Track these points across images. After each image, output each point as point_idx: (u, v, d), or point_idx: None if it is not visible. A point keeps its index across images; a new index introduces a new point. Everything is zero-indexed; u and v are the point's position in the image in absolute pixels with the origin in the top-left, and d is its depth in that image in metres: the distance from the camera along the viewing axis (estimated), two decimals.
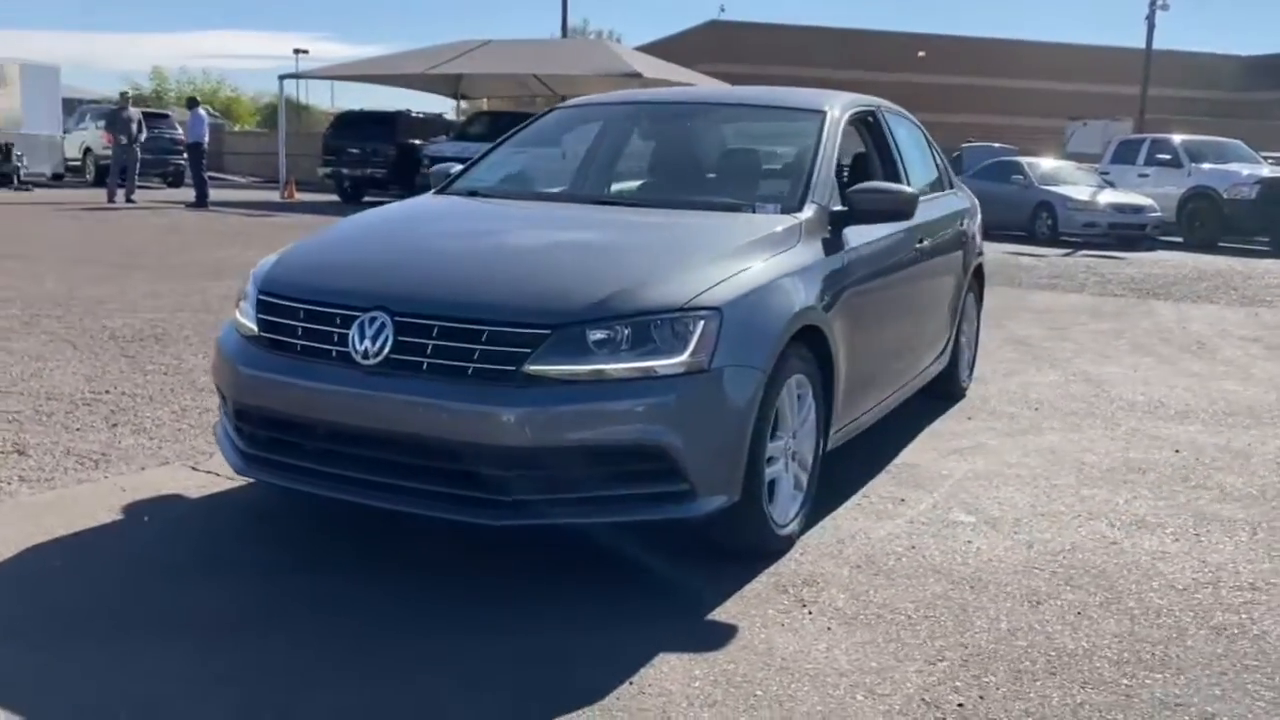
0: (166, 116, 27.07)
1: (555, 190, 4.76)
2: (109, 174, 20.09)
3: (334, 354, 3.28)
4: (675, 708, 2.67)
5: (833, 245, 4.07)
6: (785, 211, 4.03)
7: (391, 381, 3.19)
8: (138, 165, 19.96)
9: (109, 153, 20.43)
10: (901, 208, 4.20)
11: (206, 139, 20.10)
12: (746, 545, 3.56)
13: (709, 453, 3.23)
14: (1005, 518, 4.15)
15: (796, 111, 4.84)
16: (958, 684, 2.84)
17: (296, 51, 56.06)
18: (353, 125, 23.16)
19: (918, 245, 4.91)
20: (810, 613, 3.24)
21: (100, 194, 20.12)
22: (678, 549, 3.61)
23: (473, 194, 4.63)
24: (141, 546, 3.60)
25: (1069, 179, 19.03)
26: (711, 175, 4.74)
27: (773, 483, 3.64)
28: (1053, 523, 4.12)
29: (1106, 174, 19.96)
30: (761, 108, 5.19)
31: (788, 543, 3.71)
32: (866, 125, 5.05)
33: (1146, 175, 19.59)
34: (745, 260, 3.56)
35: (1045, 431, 5.49)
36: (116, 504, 3.93)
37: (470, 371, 3.14)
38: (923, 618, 3.23)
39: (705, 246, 3.65)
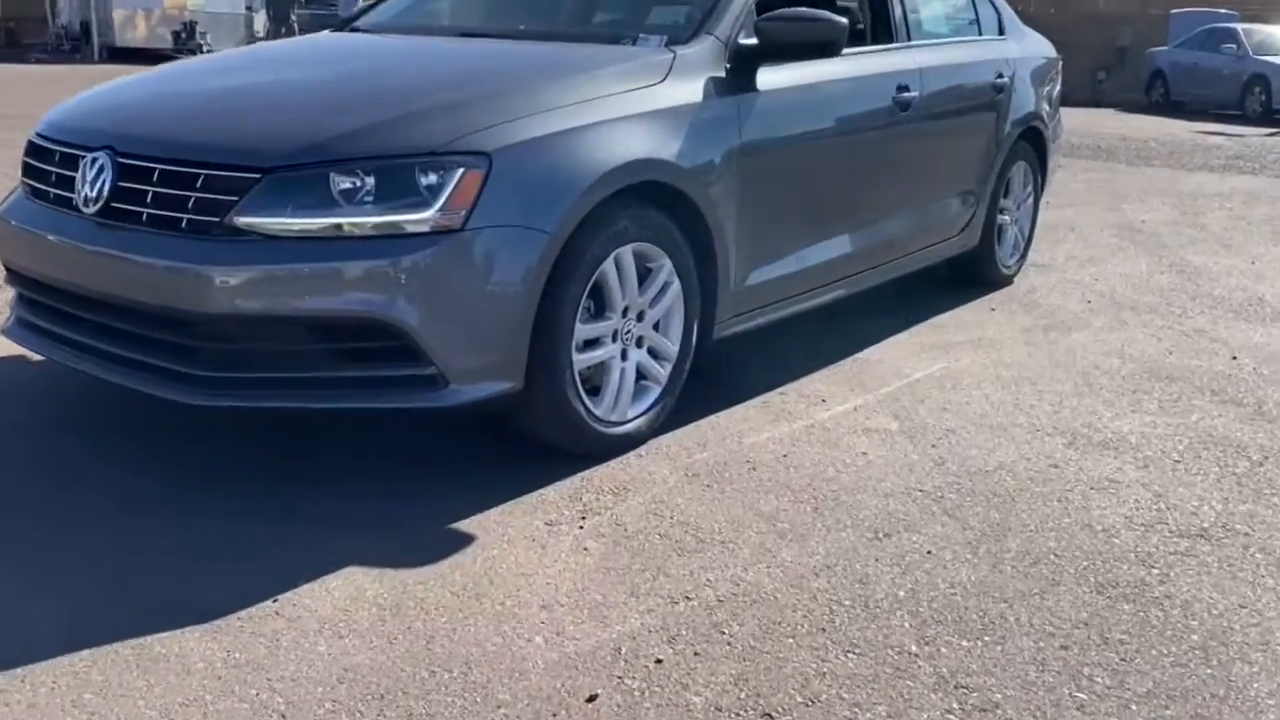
0: None
1: (445, 24, 4.14)
2: None
3: (66, 201, 2.88)
4: (293, 634, 2.18)
5: (732, 86, 3.33)
6: (672, 44, 3.31)
7: (112, 235, 2.76)
8: None
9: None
10: (824, 39, 3.39)
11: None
12: (559, 440, 2.99)
13: (462, 332, 2.66)
14: (935, 428, 3.40)
15: None
16: (681, 632, 2.23)
17: None
18: None
19: (899, 96, 4.05)
20: (581, 528, 2.66)
21: None
22: (497, 442, 3.09)
23: (355, 29, 4.09)
24: None
25: None
26: (609, 4, 4.01)
27: (597, 372, 3.04)
28: (995, 437, 3.34)
29: None
30: None
31: (626, 442, 3.11)
32: None
33: None
34: (561, 97, 2.91)
35: (1079, 329, 4.57)
36: None
37: (184, 224, 2.67)
38: (716, 543, 2.60)
39: (514, 82, 3.00)
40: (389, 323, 2.58)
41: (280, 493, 2.78)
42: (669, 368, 3.23)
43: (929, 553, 2.60)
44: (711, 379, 3.64)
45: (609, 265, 2.94)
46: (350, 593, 2.34)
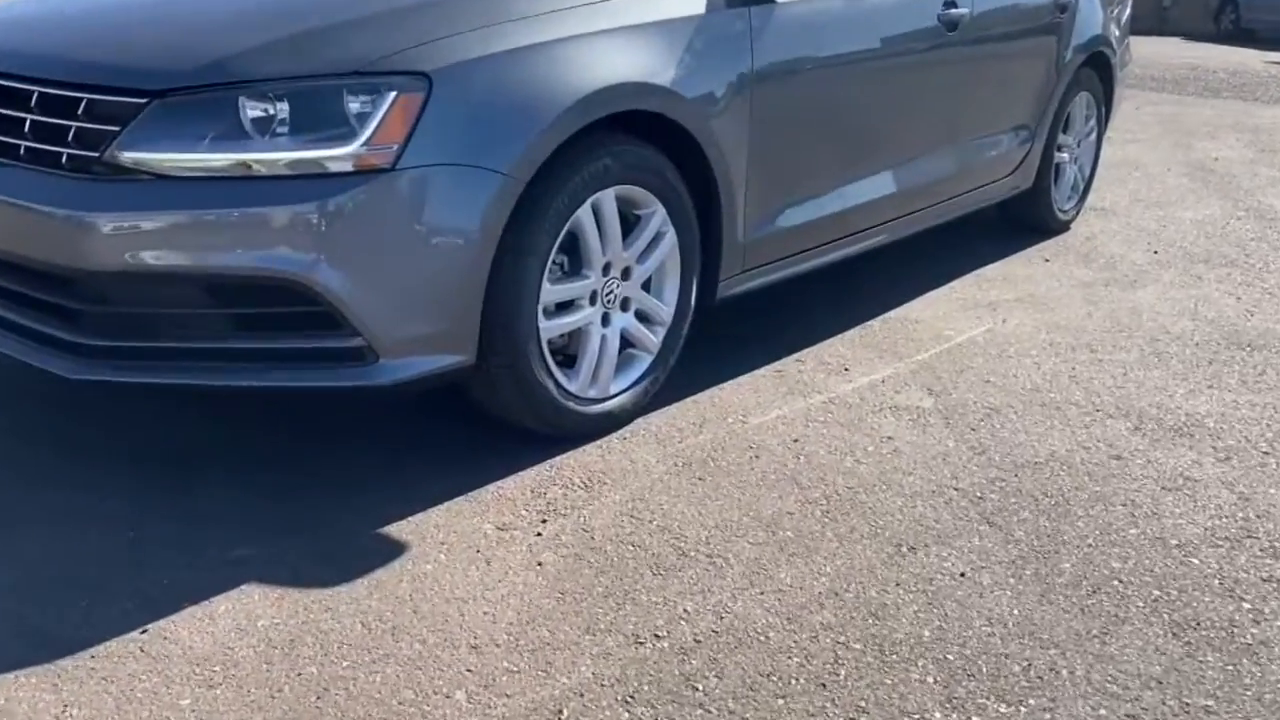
0: None
1: None
2: None
3: None
4: (152, 681, 1.74)
5: None
6: None
7: None
8: None
9: None
10: None
11: None
12: (524, 421, 2.52)
13: (395, 295, 2.18)
14: (976, 406, 2.88)
15: None
16: (642, 688, 1.77)
17: None
18: None
19: (945, 14, 3.47)
20: (540, 534, 2.20)
21: None
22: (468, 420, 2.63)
23: None
24: None
25: None
26: None
27: (574, 340, 2.56)
28: (1046, 419, 2.82)
29: None
30: None
31: (607, 422, 2.63)
32: None
33: None
34: (524, 4, 2.38)
35: (1146, 284, 4.01)
36: None
37: (65, 159, 2.20)
38: (701, 558, 2.13)
39: None
40: (302, 283, 2.10)
41: (171, 481, 2.34)
42: (661, 334, 2.74)
43: (962, 575, 2.11)
44: (717, 342, 3.15)
45: (585, 213, 2.44)
46: (238, 621, 1.89)
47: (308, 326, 2.17)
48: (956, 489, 2.45)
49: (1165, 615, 2.01)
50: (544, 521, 2.25)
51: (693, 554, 2.15)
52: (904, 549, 2.20)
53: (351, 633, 1.87)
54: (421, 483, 2.37)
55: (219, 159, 2.12)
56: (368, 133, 2.11)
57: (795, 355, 3.18)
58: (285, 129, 2.13)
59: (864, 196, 3.31)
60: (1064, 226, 4.69)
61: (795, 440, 2.65)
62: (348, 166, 2.11)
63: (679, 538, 2.21)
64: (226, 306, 2.17)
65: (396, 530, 2.19)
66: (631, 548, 2.16)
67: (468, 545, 2.15)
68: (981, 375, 3.10)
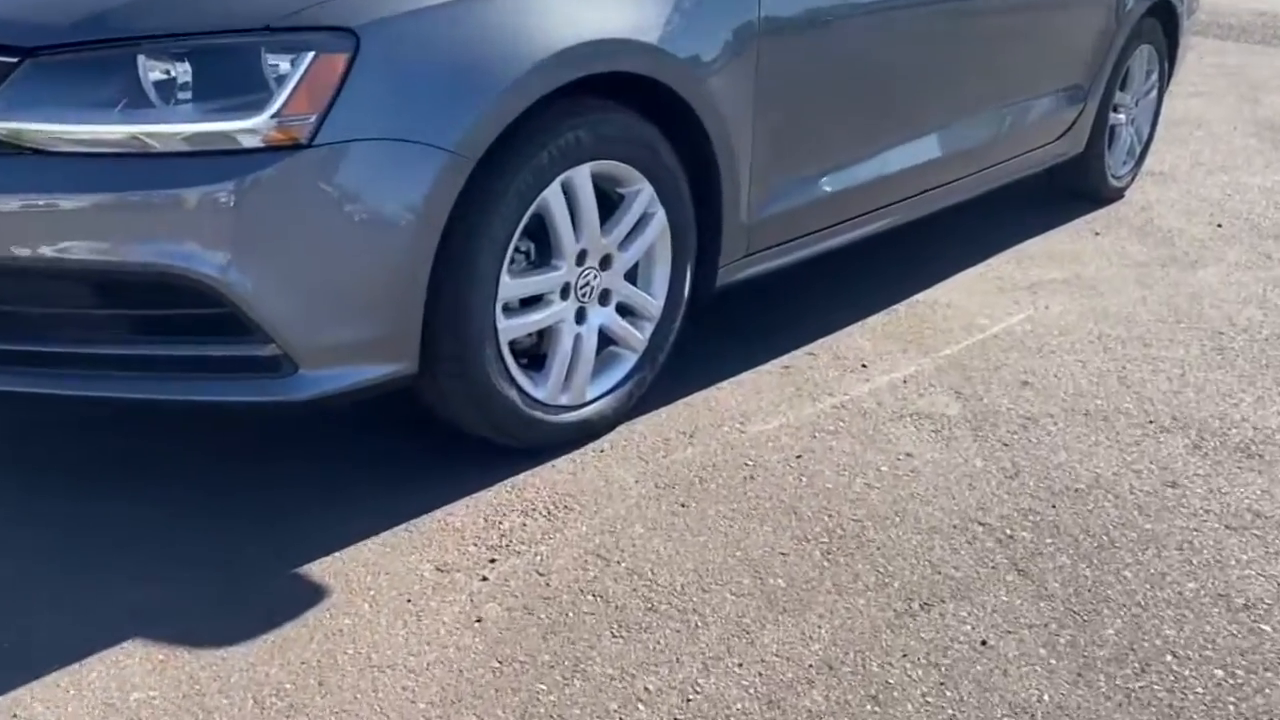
0: None
1: None
2: None
3: None
4: None
5: None
6: None
7: None
8: None
9: None
10: None
11: None
12: (482, 433, 2.19)
13: (316, 294, 1.84)
14: (1010, 414, 2.51)
15: None
16: None
17: None
18: None
19: None
20: (485, 579, 1.87)
21: None
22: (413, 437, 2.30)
23: None
24: None
25: None
26: None
27: (544, 338, 2.22)
28: (1092, 432, 2.45)
29: None
30: None
31: (583, 431, 2.29)
32: None
33: None
34: None
35: (1208, 263, 3.59)
36: None
37: None
38: (673, 615, 1.79)
39: None
40: (201, 281, 1.76)
41: (62, 505, 2.03)
42: (649, 329, 2.39)
43: (984, 644, 1.76)
44: (716, 332, 2.79)
45: (553, 194, 2.08)
46: (108, 694, 1.59)
47: (212, 331, 1.83)
48: (982, 524, 2.09)
49: (1231, 707, 1.65)
50: (492, 561, 1.92)
51: (663, 608, 1.81)
52: (915, 605, 1.85)
53: (240, 712, 1.56)
54: (358, 506, 2.05)
55: (106, 131, 1.78)
56: (279, 102, 1.76)
57: (806, 348, 2.81)
58: (184, 95, 1.79)
59: (890, 167, 2.92)
60: (1117, 195, 4.25)
61: (798, 457, 2.30)
62: (256, 142, 1.76)
63: (650, 585, 1.87)
64: (117, 307, 1.84)
65: (319, 570, 1.87)
66: (591, 598, 1.83)
67: (399, 592, 1.83)
68: (1018, 375, 2.72)
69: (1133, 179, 4.35)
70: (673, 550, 1.97)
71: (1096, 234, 3.86)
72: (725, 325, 2.87)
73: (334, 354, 1.88)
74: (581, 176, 2.12)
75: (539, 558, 1.93)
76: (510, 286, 2.07)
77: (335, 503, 2.06)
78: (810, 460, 2.28)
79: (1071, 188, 4.13)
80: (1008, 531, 2.07)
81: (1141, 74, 4.13)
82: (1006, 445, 2.39)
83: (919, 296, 3.19)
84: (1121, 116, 4.10)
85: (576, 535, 1.99)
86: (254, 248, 1.77)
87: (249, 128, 1.76)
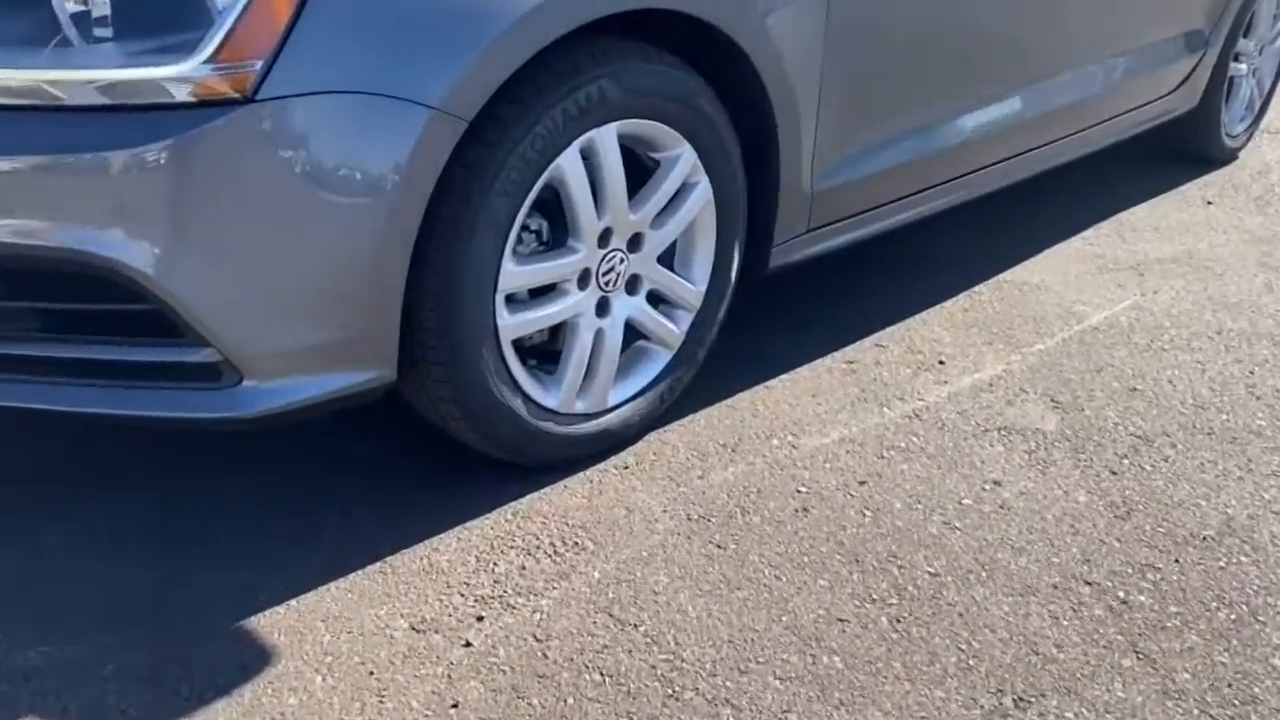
0: None
1: None
2: None
3: None
4: None
5: None
6: None
7: None
8: None
9: None
10: None
11: None
12: (479, 446, 1.82)
13: (266, 288, 1.47)
14: (1118, 431, 2.10)
15: None
16: None
17: None
18: None
19: None
20: (468, 644, 1.51)
21: None
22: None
23: None
24: None
25: None
26: None
27: (556, 335, 1.83)
28: (1218, 457, 2.03)
29: None
30: None
31: (603, 442, 1.92)
32: None
33: None
34: None
35: None
36: None
37: None
38: (692, 711, 1.42)
39: None
40: (114, 269, 1.40)
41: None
42: (686, 321, 1.99)
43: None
44: (769, 319, 2.39)
45: (569, 161, 1.68)
46: None
47: (135, 332, 1.47)
48: (1089, 583, 1.69)
49: None
50: (480, 620, 1.56)
51: (688, 695, 1.44)
52: (1008, 700, 1.46)
53: None
54: (326, 536, 1.70)
55: (5, 78, 1.41)
56: (215, 43, 1.37)
57: (874, 338, 2.40)
58: (106, 33, 1.41)
59: (980, 126, 2.48)
60: (1230, 155, 3.75)
61: (862, 483, 1.90)
62: (186, 94, 1.38)
63: (673, 661, 1.50)
64: (20, 299, 1.48)
65: (269, 625, 1.52)
66: (598, 677, 1.47)
67: (361, 660, 1.47)
68: (1125, 379, 2.30)
69: (1249, 139, 3.83)
70: (704, 611, 1.59)
71: (1209, 203, 3.37)
72: (776, 310, 2.47)
73: (289, 361, 1.51)
74: (606, 139, 1.72)
75: (538, 615, 1.57)
76: (515, 275, 1.68)
77: (300, 532, 1.71)
78: (877, 488, 1.89)
79: (1178, 147, 3.64)
80: (1121, 595, 1.67)
81: (1269, 17, 3.60)
82: (1114, 473, 1.97)
83: (1005, 276, 2.76)
84: (1242, 66, 3.58)
85: (586, 585, 1.63)
86: (184, 228, 1.40)
87: (178, 75, 1.38)
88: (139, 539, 1.68)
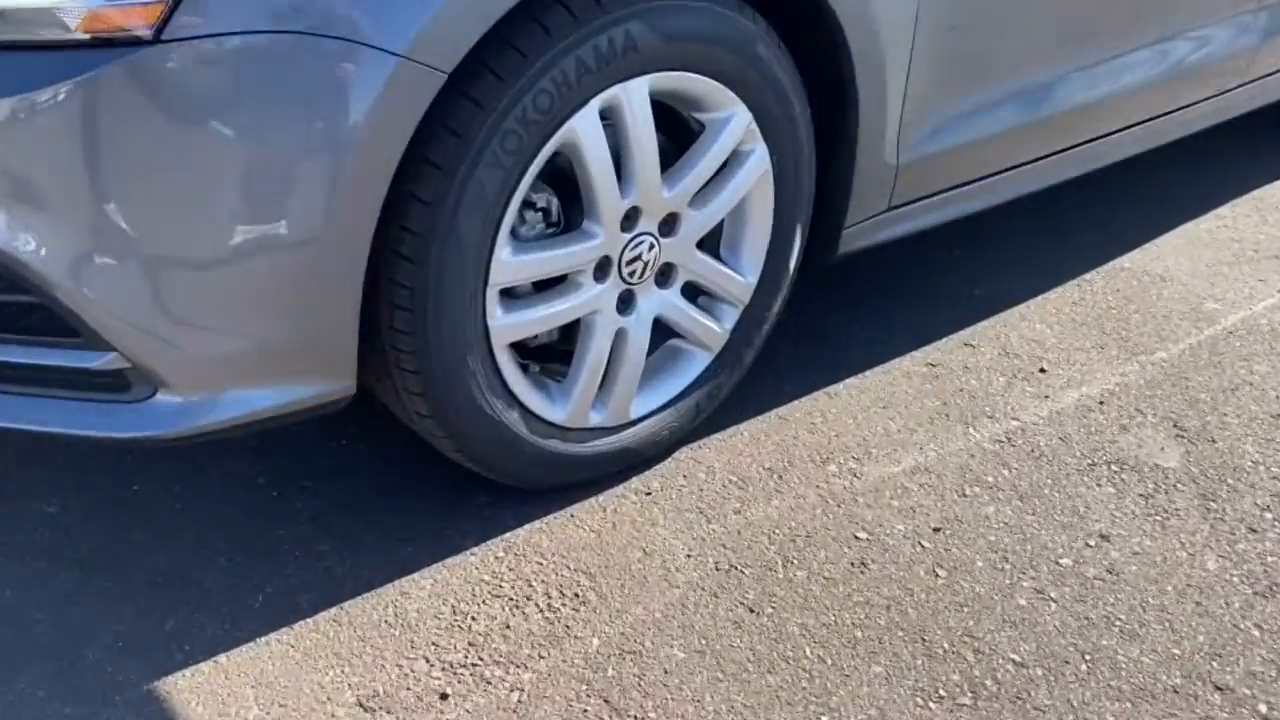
0: None
1: None
2: None
3: None
4: None
5: None
6: None
7: None
8: None
9: None
10: None
11: None
12: (472, 467, 1.50)
13: (185, 280, 1.16)
14: (1258, 472, 1.71)
15: None
16: None
17: None
18: None
19: None
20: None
21: None
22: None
23: None
24: None
25: None
26: None
27: (565, 335, 1.51)
28: None
29: None
30: None
31: (622, 461, 1.60)
32: None
33: None
34: None
35: None
36: None
37: None
38: None
39: None
40: None
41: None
42: (732, 318, 1.64)
43: None
44: (833, 305, 2.04)
45: (585, 123, 1.33)
46: None
47: (25, 329, 1.17)
48: (1220, 688, 1.33)
49: None
50: (444, 697, 1.25)
51: None
52: None
53: None
54: (276, 572, 1.41)
55: None
56: None
57: (962, 334, 2.03)
58: None
59: (1104, 87, 2.06)
60: None
61: (937, 530, 1.55)
62: (73, 29, 1.06)
63: None
64: None
65: (186, 687, 1.24)
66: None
67: None
68: (1266, 401, 1.89)
69: None
70: (725, 703, 1.27)
71: None
72: (843, 298, 2.10)
73: (215, 370, 1.20)
74: (634, 96, 1.36)
75: (516, 696, 1.26)
76: (511, 266, 1.35)
77: (244, 561, 1.42)
78: (954, 538, 1.54)
79: None
80: (1263, 709, 1.31)
81: None
82: (1254, 532, 1.59)
83: (1122, 263, 2.35)
84: None
85: (581, 657, 1.31)
86: (71, 201, 1.09)
87: (61, 7, 1.05)
88: (49, 565, 1.40)
